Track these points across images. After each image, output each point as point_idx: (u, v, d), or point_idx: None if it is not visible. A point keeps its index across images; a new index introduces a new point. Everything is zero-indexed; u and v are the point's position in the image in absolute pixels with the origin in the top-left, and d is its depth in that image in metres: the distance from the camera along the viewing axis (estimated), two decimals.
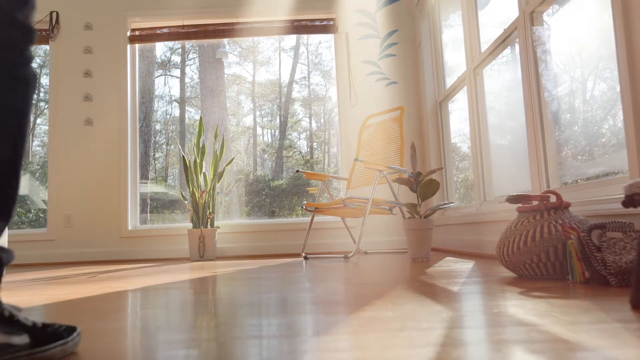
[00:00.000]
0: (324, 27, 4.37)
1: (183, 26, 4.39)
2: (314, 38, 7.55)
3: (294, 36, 7.75)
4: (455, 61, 3.81)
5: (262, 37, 8.15)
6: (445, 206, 2.70)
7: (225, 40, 9.35)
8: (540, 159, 2.31)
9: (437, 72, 4.05)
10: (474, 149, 3.18)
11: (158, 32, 4.42)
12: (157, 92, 9.85)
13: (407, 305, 1.11)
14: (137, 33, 4.38)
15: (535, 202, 1.69)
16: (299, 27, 4.38)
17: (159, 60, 10.65)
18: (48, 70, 4.45)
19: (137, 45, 4.48)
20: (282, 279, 1.89)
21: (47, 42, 4.27)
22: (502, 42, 2.76)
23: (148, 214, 8.15)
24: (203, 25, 4.39)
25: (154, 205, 8.14)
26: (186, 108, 9.68)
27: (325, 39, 7.10)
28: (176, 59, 10.92)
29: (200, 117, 4.19)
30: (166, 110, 10.52)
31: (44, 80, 4.95)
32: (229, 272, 2.43)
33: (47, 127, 4.42)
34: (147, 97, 8.61)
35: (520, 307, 1.03)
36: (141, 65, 8.68)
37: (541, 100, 2.35)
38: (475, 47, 3.19)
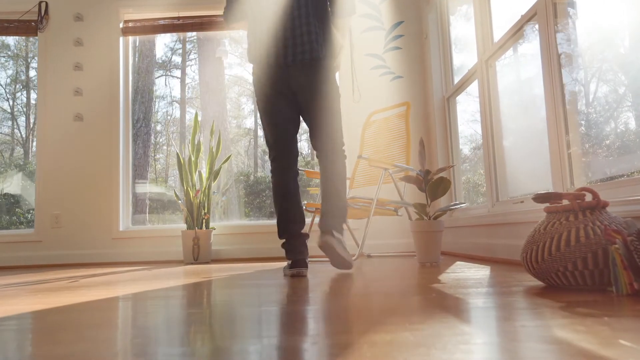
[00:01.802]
0: None
1: (179, 17, 4.19)
2: None
3: None
4: (463, 57, 3.62)
5: None
6: (457, 207, 2.50)
7: (226, 41, 9.15)
8: (563, 156, 2.11)
9: (444, 66, 3.85)
10: (486, 145, 2.98)
11: (152, 24, 4.22)
12: (158, 93, 9.62)
13: (428, 325, 0.91)
14: (130, 25, 4.18)
15: (566, 202, 1.49)
16: None
17: (160, 61, 10.43)
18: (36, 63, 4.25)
19: (130, 38, 4.28)
20: (280, 287, 1.69)
21: (35, 34, 4.08)
22: (519, 30, 2.56)
23: (147, 215, 7.95)
24: (199, 16, 4.20)
25: (154, 207, 7.93)
26: (187, 109, 9.49)
27: None
28: (177, 59, 10.72)
29: (196, 113, 3.99)
30: (167, 111, 10.33)
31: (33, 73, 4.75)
32: (224, 277, 2.23)
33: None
34: (146, 96, 8.40)
35: (571, 329, 0.83)
36: (140, 64, 8.48)
37: (564, 91, 2.15)
38: (487, 37, 2.99)
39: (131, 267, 3.30)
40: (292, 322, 1.01)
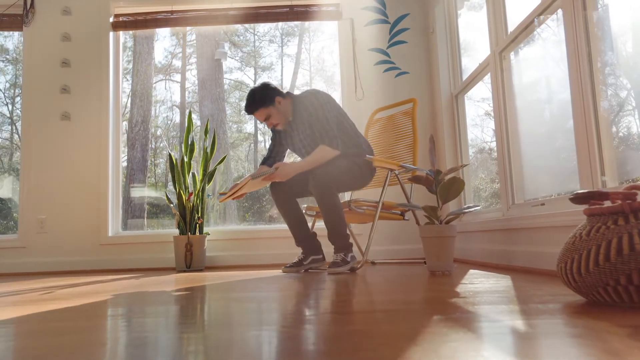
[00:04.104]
0: (326, 13, 3.97)
1: (172, 11, 3.99)
2: (317, 44, 7.33)
3: (296, 43, 7.55)
4: (472, 56, 3.41)
5: (263, 42, 7.87)
6: (471, 209, 2.27)
7: (226, 44, 8.96)
8: (593, 153, 1.88)
9: (452, 62, 3.63)
10: (500, 144, 2.76)
11: (145, 18, 4.01)
12: (158, 97, 9.43)
13: None
14: (121, 19, 3.98)
15: (609, 203, 1.27)
16: (300, 14, 3.97)
17: (160, 65, 10.25)
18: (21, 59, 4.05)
19: (120, 33, 4.08)
20: (278, 301, 1.47)
21: (20, 29, 3.87)
22: (537, 17, 2.34)
23: (145, 220, 7.71)
24: (195, 10, 3.99)
25: (153, 211, 7.70)
26: (186, 114, 9.31)
27: (328, 44, 6.81)
28: (177, 63, 10.52)
29: (190, 112, 3.78)
30: (167, 116, 10.14)
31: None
32: (217, 288, 2.01)
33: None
34: (145, 100, 8.21)
35: None
36: (139, 66, 8.27)
37: (594, 81, 1.92)
38: (500, 27, 2.77)
39: (119, 275, 3.08)
40: (296, 352, 0.78)
